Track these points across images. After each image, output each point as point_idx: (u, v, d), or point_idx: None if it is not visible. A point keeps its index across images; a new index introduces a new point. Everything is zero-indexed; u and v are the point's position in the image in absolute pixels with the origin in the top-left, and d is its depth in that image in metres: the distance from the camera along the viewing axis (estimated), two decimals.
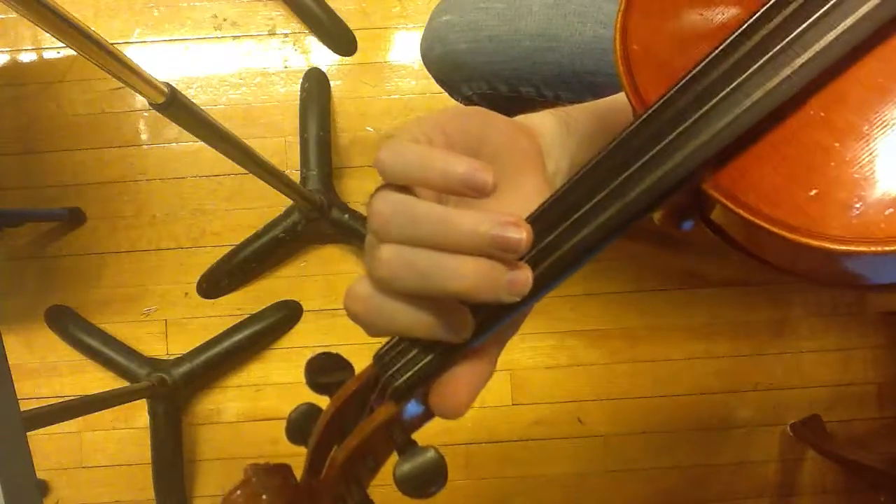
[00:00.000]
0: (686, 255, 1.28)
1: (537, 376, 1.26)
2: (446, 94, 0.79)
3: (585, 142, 0.38)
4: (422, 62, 0.77)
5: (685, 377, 1.27)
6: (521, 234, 0.24)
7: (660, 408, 1.26)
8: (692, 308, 1.27)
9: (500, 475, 1.26)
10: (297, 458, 0.37)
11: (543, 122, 0.38)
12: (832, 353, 1.27)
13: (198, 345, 1.25)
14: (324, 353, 0.35)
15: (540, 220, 0.28)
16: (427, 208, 0.25)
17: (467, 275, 0.25)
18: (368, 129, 1.30)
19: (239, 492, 0.33)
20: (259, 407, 1.27)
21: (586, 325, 1.27)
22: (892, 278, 0.28)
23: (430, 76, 0.78)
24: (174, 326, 1.28)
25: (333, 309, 1.27)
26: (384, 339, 0.32)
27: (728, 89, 0.26)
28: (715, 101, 0.26)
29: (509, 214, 0.25)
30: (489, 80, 0.71)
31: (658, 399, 1.26)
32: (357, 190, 1.28)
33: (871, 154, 0.24)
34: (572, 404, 1.26)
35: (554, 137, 0.37)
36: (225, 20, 1.32)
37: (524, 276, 0.25)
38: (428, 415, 0.32)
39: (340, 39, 1.31)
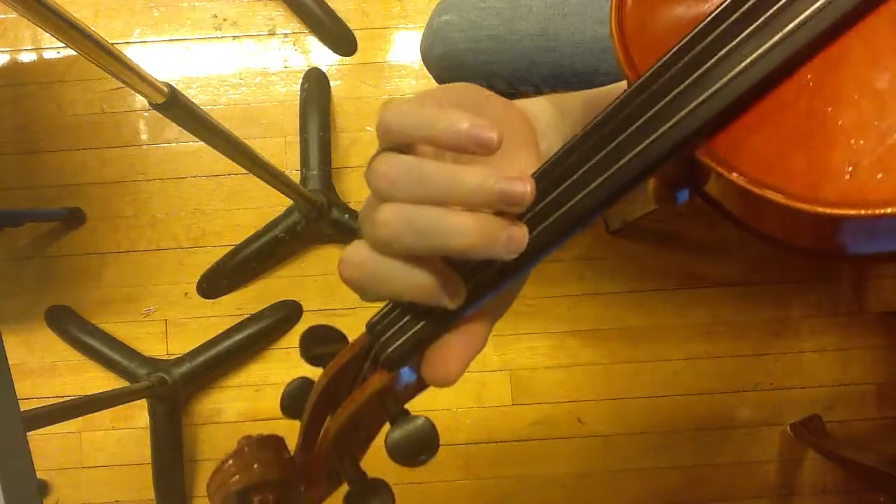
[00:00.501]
0: (686, 255, 1.28)
1: (537, 376, 1.26)
2: None
3: (579, 127, 0.38)
4: (422, 62, 0.77)
5: (685, 377, 1.27)
6: (526, 188, 0.25)
7: (660, 408, 1.26)
8: (692, 308, 1.27)
9: (500, 475, 1.26)
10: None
11: (538, 105, 0.38)
12: (832, 353, 1.27)
13: (198, 345, 1.25)
14: (318, 325, 0.35)
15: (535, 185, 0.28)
16: (434, 166, 0.26)
17: (469, 230, 0.25)
18: (368, 129, 1.30)
19: (231, 461, 0.33)
20: (259, 407, 1.27)
21: (586, 325, 1.27)
22: (886, 246, 0.28)
23: (430, 76, 0.78)
24: (174, 326, 1.28)
25: (333, 309, 1.27)
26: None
27: (721, 54, 0.26)
28: (708, 65, 0.26)
29: (513, 170, 0.26)
30: (489, 80, 0.71)
31: (658, 399, 1.26)
32: (357, 190, 1.28)
33: (862, 119, 0.24)
34: (572, 404, 1.26)
35: (548, 121, 0.37)
36: (225, 20, 1.32)
37: (521, 233, 0.26)
38: (421, 384, 0.32)
39: (340, 39, 1.31)
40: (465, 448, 1.26)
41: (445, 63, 0.73)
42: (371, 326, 0.31)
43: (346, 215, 1.21)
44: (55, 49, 1.31)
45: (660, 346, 1.27)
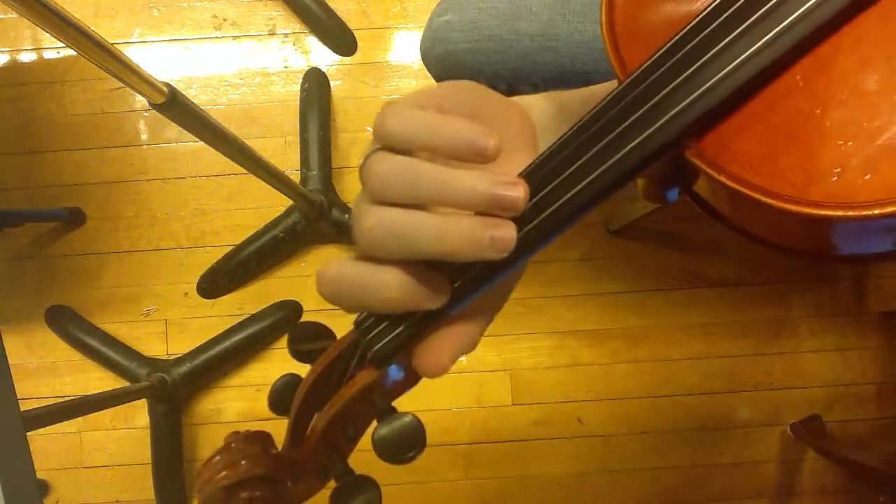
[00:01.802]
0: (686, 254, 1.28)
1: (537, 376, 1.26)
2: None
3: None
4: (422, 62, 0.77)
5: (685, 377, 1.27)
6: (520, 193, 0.25)
7: (660, 408, 1.26)
8: (692, 308, 1.27)
9: (500, 475, 1.26)
10: None
11: (537, 103, 0.38)
12: (832, 353, 1.27)
13: (198, 345, 1.25)
14: (306, 322, 0.36)
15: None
16: (428, 168, 0.26)
17: (448, 234, 0.25)
18: (368, 129, 1.30)
19: (218, 457, 0.33)
20: (259, 407, 1.27)
21: (586, 325, 1.27)
22: (874, 247, 0.28)
23: (430, 76, 0.78)
24: (174, 326, 1.28)
25: (333, 309, 1.26)
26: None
27: (710, 55, 0.26)
28: (697, 66, 0.26)
29: (506, 174, 0.26)
30: (489, 80, 0.71)
31: (658, 399, 1.26)
32: (357, 190, 1.28)
33: (850, 120, 0.24)
34: (572, 404, 1.26)
35: (547, 119, 0.37)
36: (225, 20, 1.32)
37: (507, 233, 0.25)
38: (409, 381, 0.32)
39: (340, 39, 1.31)
40: (465, 448, 1.26)
41: (445, 63, 0.73)
42: (359, 323, 0.32)
43: (347, 215, 1.21)
44: (55, 49, 1.31)
45: (660, 346, 1.27)
